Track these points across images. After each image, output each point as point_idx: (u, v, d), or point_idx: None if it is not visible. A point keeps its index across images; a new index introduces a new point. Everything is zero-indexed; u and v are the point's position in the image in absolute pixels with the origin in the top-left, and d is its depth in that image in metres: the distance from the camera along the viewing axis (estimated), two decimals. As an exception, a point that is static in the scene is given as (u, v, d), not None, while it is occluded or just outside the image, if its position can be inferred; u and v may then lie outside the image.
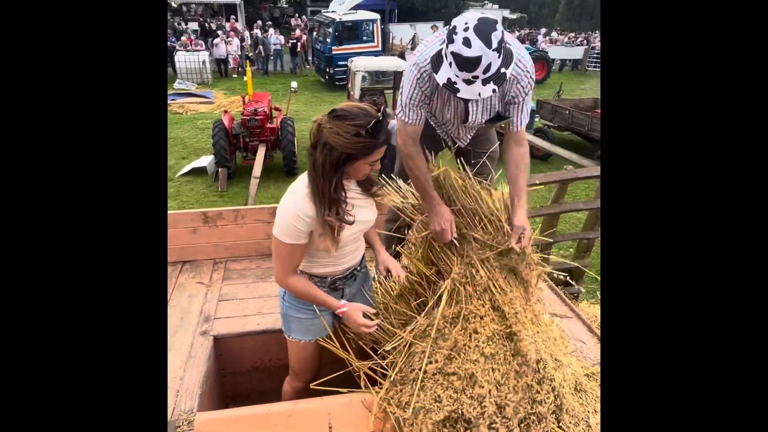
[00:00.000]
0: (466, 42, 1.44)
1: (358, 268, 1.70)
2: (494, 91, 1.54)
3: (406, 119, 1.80)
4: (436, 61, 1.61)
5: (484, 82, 1.50)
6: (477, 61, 1.44)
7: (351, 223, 1.47)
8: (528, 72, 1.71)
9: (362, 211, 1.54)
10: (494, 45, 1.44)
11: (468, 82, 1.51)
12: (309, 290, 1.55)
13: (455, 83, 1.53)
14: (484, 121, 1.86)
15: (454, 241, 1.68)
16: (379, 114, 1.36)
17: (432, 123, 2.01)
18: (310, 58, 16.02)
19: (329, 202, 1.40)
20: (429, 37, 1.83)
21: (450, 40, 1.48)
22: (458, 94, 1.55)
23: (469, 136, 2.04)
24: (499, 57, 1.47)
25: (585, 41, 19.97)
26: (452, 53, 1.47)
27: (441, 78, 1.56)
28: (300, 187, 1.45)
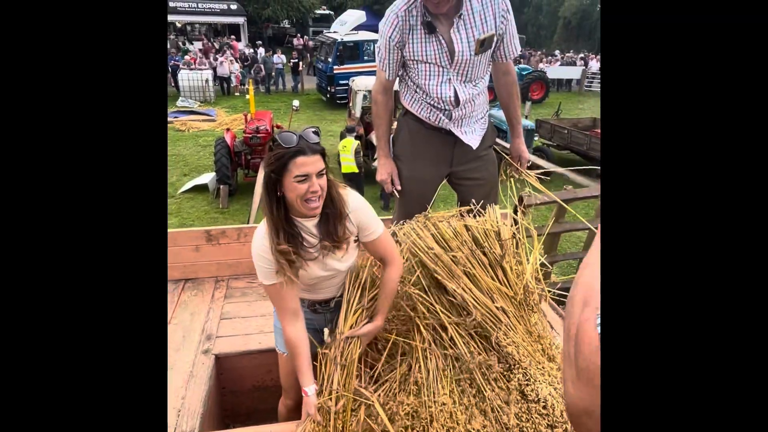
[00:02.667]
0: None
1: (338, 297, 1.63)
2: None
3: (382, 67, 1.99)
4: None
5: None
6: None
7: (311, 259, 1.42)
8: None
9: (331, 261, 1.47)
10: None
11: None
12: (294, 350, 1.46)
13: None
14: (473, 52, 1.87)
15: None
16: (308, 131, 1.35)
17: (422, 102, 2.00)
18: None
19: (276, 231, 1.36)
20: None
21: None
22: None
23: (464, 93, 1.94)
24: None
25: (583, 62, 20.26)
26: None
27: None
28: (262, 224, 1.44)
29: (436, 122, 2.01)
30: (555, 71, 18.24)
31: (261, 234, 1.41)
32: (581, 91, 17.66)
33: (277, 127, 7.82)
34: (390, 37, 1.87)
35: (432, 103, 1.97)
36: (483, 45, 1.86)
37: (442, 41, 1.83)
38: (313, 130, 1.37)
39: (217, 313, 2.36)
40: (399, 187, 2.09)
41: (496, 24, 1.86)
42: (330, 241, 1.42)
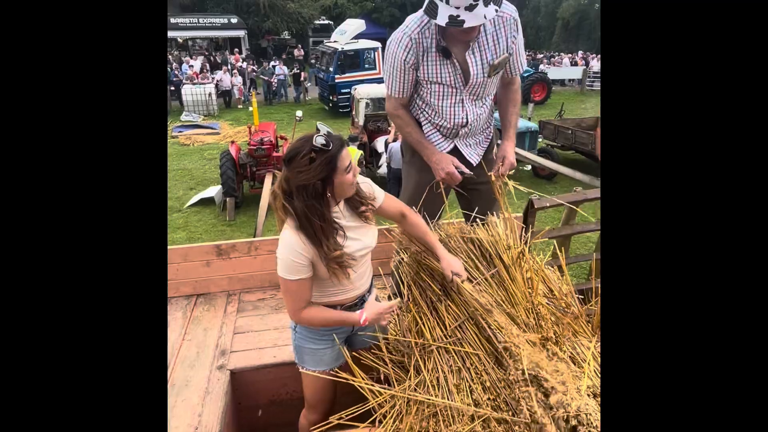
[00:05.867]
0: None
1: (368, 294, 1.68)
2: (495, 10, 1.64)
3: (391, 92, 1.94)
4: (430, 8, 1.67)
5: (485, 2, 1.60)
6: None
7: (349, 257, 1.46)
8: (514, 11, 1.85)
9: (360, 237, 1.53)
10: None
11: (470, 8, 1.58)
12: (324, 315, 1.54)
13: (458, 16, 1.60)
14: (486, 75, 1.86)
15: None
16: (317, 132, 1.39)
17: (427, 123, 2.00)
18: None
19: (326, 237, 1.40)
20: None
21: None
22: (464, 25, 1.61)
23: (473, 113, 1.95)
24: None
25: (584, 62, 20.27)
26: None
27: (441, 19, 1.62)
28: (290, 226, 1.43)
29: (436, 145, 2.03)
30: (556, 72, 18.25)
31: (292, 233, 1.42)
32: (583, 91, 17.63)
33: (281, 138, 7.85)
34: (405, 60, 1.84)
35: (439, 122, 1.99)
36: (497, 68, 1.88)
37: (457, 64, 1.84)
38: (326, 130, 1.41)
39: (230, 328, 2.35)
40: (466, 169, 1.94)
41: (508, 45, 1.86)
42: (356, 208, 1.51)
